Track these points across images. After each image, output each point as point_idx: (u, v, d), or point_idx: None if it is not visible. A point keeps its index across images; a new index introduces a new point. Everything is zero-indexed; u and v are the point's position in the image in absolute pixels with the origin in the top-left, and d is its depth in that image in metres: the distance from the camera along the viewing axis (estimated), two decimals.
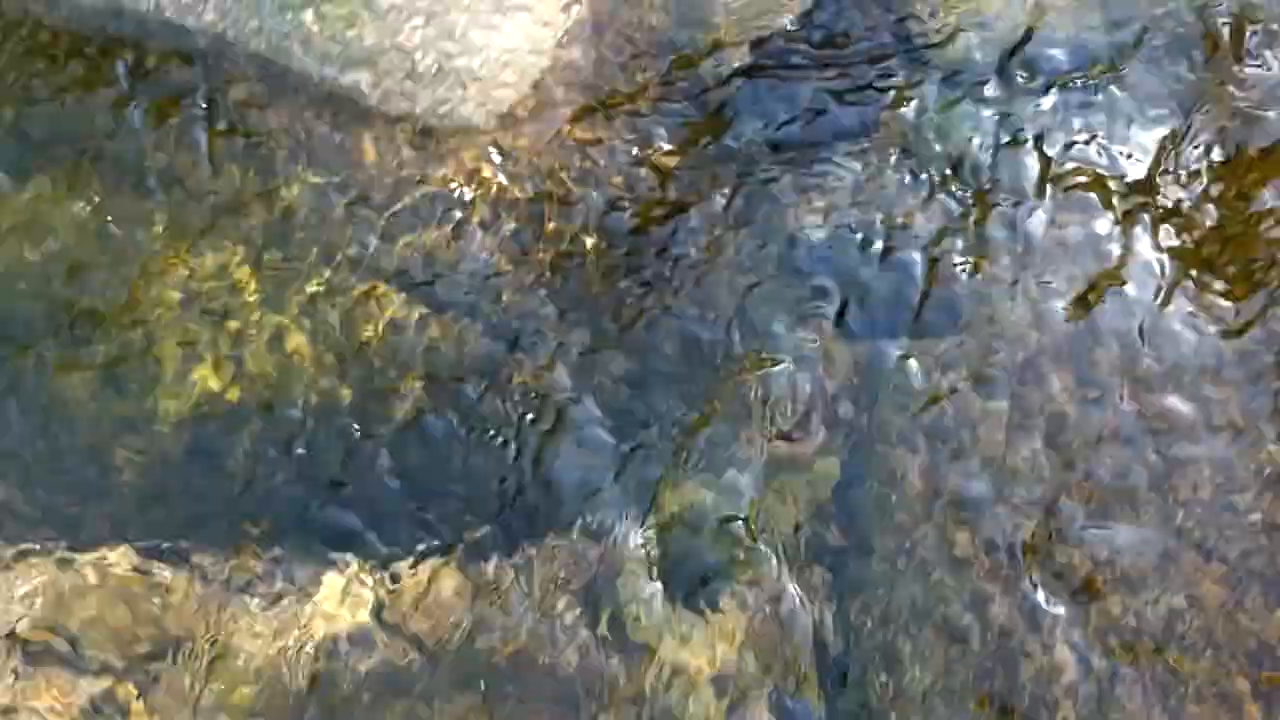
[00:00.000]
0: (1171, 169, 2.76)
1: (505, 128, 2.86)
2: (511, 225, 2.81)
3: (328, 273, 2.78)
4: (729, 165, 2.87)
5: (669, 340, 2.72)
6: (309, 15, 2.82)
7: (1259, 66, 2.84)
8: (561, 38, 2.92)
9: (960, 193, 2.80)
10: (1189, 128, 2.80)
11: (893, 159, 2.85)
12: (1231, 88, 2.82)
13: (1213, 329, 2.58)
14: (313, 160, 2.85)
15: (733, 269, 2.78)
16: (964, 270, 2.73)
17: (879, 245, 2.78)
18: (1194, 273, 2.64)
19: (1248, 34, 2.85)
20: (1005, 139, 2.83)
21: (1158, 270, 2.66)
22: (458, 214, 2.81)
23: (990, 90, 2.89)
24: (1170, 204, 2.72)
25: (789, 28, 2.98)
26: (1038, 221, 2.74)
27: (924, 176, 2.82)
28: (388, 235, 2.80)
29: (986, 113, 2.87)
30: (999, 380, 2.60)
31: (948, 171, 2.82)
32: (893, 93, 2.91)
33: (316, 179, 2.84)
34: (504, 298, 2.77)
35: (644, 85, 2.92)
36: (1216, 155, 2.76)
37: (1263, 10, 2.88)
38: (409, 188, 2.83)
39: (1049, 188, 2.77)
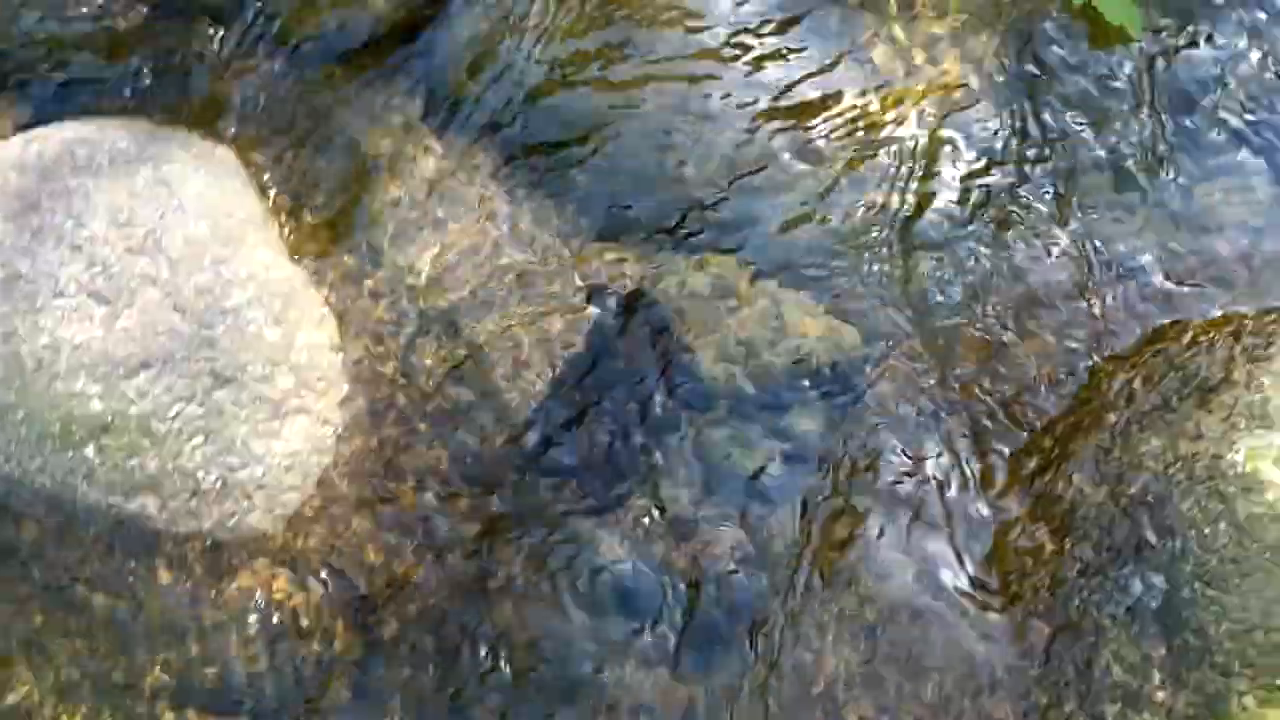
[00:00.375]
0: (923, 481, 2.93)
1: (294, 530, 2.94)
2: (308, 627, 2.86)
3: (130, 698, 2.80)
4: (523, 526, 2.97)
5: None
6: (90, 449, 2.91)
7: (1007, 371, 3.06)
8: (341, 432, 3.04)
9: (727, 519, 2.94)
10: (937, 439, 2.98)
11: (677, 492, 3.00)
12: (978, 392, 3.03)
13: (979, 647, 2.70)
14: (108, 589, 2.89)
15: (536, 635, 2.85)
16: (754, 596, 2.84)
17: (675, 580, 2.89)
18: (953, 589, 2.77)
19: (992, 343, 3.07)
20: (765, 465, 2.98)
21: (920, 586, 2.79)
22: (254, 625, 2.85)
23: (750, 415, 3.06)
24: (925, 517, 2.87)
25: (568, 389, 3.13)
26: (802, 549, 2.87)
27: (695, 507, 2.96)
28: (185, 655, 2.83)
29: (751, 439, 3.03)
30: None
31: (715, 499, 2.96)
32: (671, 424, 3.07)
33: (115, 605, 2.88)
34: (310, 702, 2.80)
35: (430, 463, 3.04)
36: (965, 464, 2.93)
37: (1010, 321, 3.11)
38: (204, 605, 2.87)
39: (813, 513, 2.91)
